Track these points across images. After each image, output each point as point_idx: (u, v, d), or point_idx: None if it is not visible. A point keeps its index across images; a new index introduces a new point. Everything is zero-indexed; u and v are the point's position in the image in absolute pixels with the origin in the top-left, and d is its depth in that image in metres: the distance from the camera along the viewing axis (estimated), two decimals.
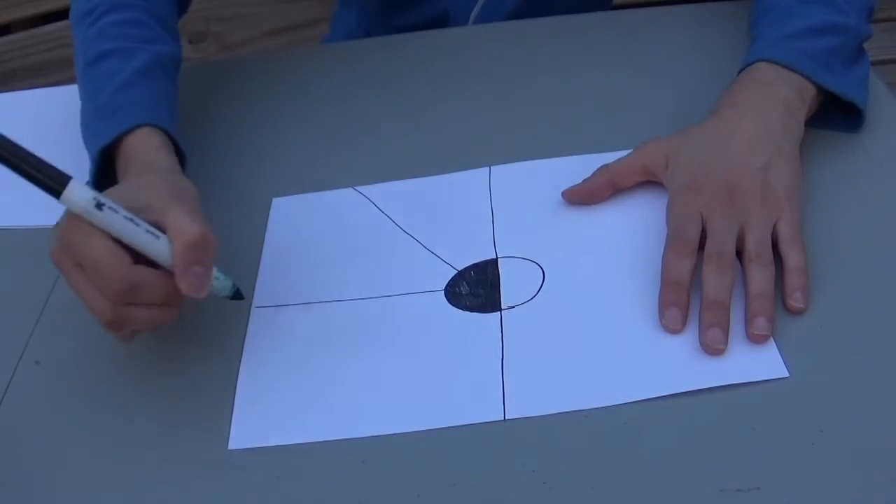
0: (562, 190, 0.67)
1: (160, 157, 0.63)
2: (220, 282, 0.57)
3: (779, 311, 0.56)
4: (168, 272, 0.54)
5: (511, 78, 0.81)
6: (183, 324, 0.62)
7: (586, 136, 0.72)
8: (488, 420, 0.53)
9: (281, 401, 0.56)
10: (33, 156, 0.53)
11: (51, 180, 0.52)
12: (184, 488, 0.52)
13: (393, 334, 0.59)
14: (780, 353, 0.54)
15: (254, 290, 0.64)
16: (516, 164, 0.71)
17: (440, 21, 0.94)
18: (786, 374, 0.53)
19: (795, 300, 0.56)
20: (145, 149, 0.64)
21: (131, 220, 0.53)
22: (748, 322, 0.55)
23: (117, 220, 0.53)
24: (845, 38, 0.68)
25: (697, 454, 0.50)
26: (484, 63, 0.84)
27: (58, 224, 0.54)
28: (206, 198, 0.71)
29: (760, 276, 0.57)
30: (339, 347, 0.59)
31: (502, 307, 0.60)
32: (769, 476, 0.48)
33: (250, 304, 0.63)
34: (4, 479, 0.54)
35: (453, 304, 0.61)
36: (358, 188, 0.72)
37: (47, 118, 0.87)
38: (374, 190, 0.71)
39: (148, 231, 0.53)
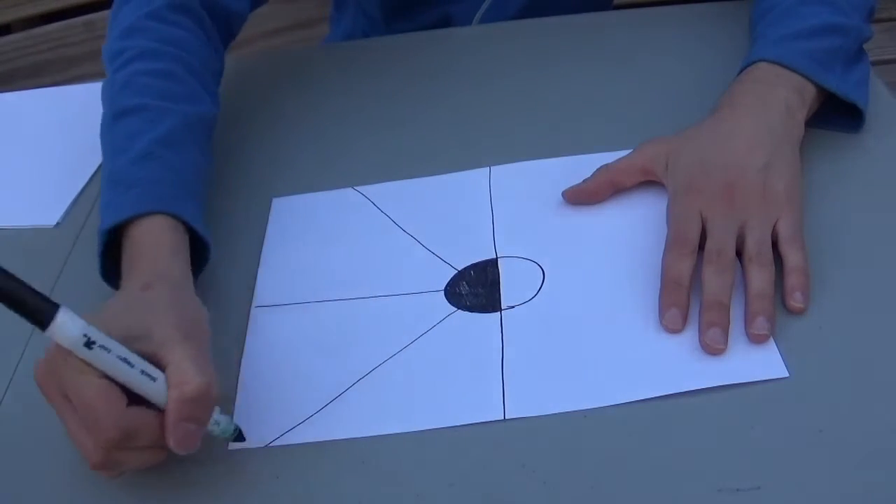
0: (562, 190, 0.67)
1: (172, 266, 0.56)
2: (221, 426, 0.52)
3: (779, 311, 0.56)
4: (160, 413, 0.49)
5: (511, 78, 0.81)
6: None
7: (586, 136, 0.72)
8: (488, 420, 0.53)
9: (281, 401, 0.56)
10: (17, 280, 0.47)
11: (36, 311, 0.46)
12: (184, 488, 0.52)
13: (393, 334, 0.59)
14: (780, 353, 0.54)
15: (254, 290, 0.64)
16: (516, 164, 0.71)
17: (443, 26, 0.94)
18: (786, 374, 0.53)
19: (795, 300, 0.56)
20: (156, 249, 0.57)
21: (125, 360, 0.48)
22: (748, 322, 0.55)
23: (109, 359, 0.47)
24: (846, 39, 0.68)
25: (697, 454, 0.50)
26: (484, 63, 0.84)
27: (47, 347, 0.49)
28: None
29: (760, 276, 0.57)
30: (339, 347, 0.59)
31: (502, 307, 0.60)
32: (769, 476, 0.48)
33: (250, 304, 0.63)
34: (4, 479, 0.54)
35: (453, 304, 0.61)
36: (358, 188, 0.72)
37: (47, 118, 0.88)
38: (374, 190, 0.71)
39: (143, 373, 0.48)
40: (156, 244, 0.57)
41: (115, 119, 0.65)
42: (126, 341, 0.49)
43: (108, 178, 0.62)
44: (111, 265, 0.59)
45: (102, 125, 0.66)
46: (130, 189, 0.59)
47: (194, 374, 0.48)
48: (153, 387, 0.48)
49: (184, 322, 0.51)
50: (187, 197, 0.61)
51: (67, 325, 0.46)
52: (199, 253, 0.61)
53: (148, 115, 0.64)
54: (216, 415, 0.51)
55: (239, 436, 0.53)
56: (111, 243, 0.60)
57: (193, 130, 0.66)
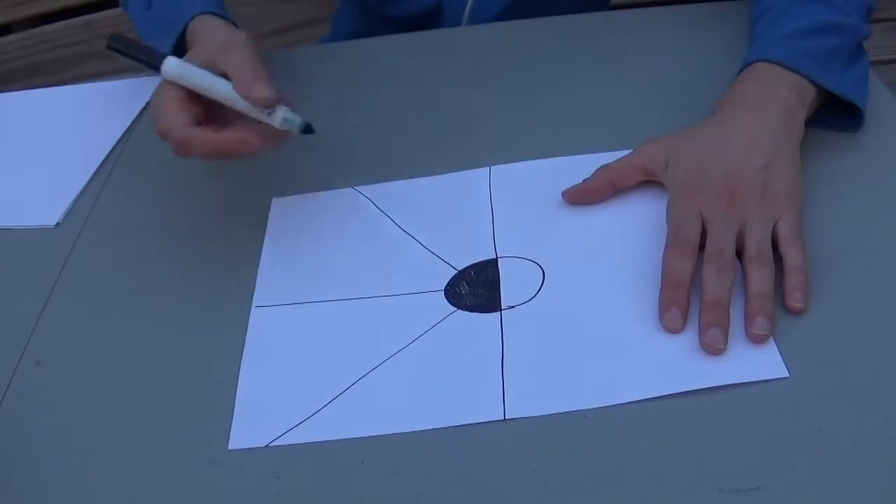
0: (562, 190, 0.67)
1: (221, 29, 0.72)
2: (290, 117, 0.62)
3: (779, 311, 0.56)
4: (216, 134, 0.62)
5: (511, 78, 0.81)
6: (183, 323, 0.62)
7: (586, 136, 0.72)
8: (488, 420, 0.53)
9: (281, 401, 0.56)
10: (142, 46, 0.67)
11: (154, 60, 0.65)
12: (184, 488, 0.52)
13: (393, 334, 0.59)
14: (780, 353, 0.54)
15: (254, 290, 0.64)
16: (516, 164, 0.71)
17: (435, 9, 0.94)
18: (786, 374, 0.53)
19: (795, 300, 0.56)
20: (214, 27, 0.72)
21: (205, 75, 0.63)
22: (748, 322, 0.55)
23: (196, 79, 0.63)
24: (845, 38, 0.69)
25: (697, 454, 0.50)
26: (484, 63, 0.84)
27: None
28: (206, 197, 0.71)
29: (760, 276, 0.57)
30: (339, 347, 0.59)
31: (502, 307, 0.60)
32: (769, 476, 0.48)
33: (250, 304, 0.63)
34: (4, 479, 0.54)
35: (453, 304, 0.61)
36: (358, 188, 0.72)
37: (47, 118, 0.88)
38: (374, 190, 0.71)
39: (215, 80, 0.63)
40: (213, 25, 0.73)
41: (147, 6, 0.80)
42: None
43: (157, 29, 0.77)
44: None
45: (136, 18, 0.83)
46: (175, 21, 0.75)
47: (242, 58, 0.64)
48: (226, 87, 0.63)
49: (228, 43, 0.66)
50: (217, 5, 0.76)
51: (169, 65, 0.64)
52: None
53: None
54: (285, 112, 0.62)
55: (308, 128, 0.63)
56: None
57: None
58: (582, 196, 0.66)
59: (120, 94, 0.89)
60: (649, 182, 0.66)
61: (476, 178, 0.71)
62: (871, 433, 0.49)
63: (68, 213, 0.74)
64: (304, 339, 0.60)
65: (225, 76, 0.64)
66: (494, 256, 0.64)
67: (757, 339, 0.54)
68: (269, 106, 0.62)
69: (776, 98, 0.65)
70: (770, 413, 0.51)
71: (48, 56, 1.41)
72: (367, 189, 0.71)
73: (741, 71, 0.69)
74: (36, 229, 0.73)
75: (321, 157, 0.76)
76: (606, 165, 0.66)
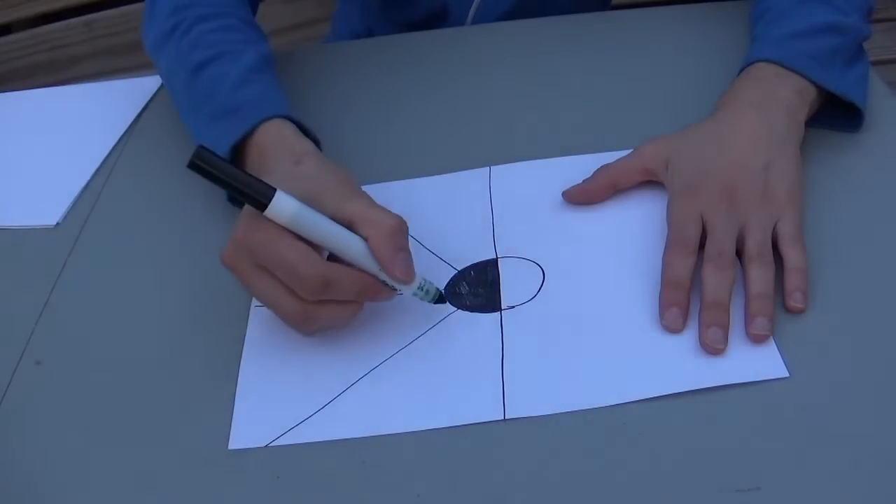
0: (562, 190, 0.67)
1: (304, 143, 0.62)
2: (426, 285, 0.57)
3: (779, 311, 0.56)
4: (360, 270, 0.55)
5: (511, 78, 0.82)
6: (183, 323, 0.62)
7: (586, 136, 0.72)
8: (488, 420, 0.53)
9: (281, 401, 0.56)
10: (239, 171, 0.53)
11: (258, 194, 0.53)
12: (184, 488, 0.52)
13: (393, 334, 0.59)
14: (780, 353, 0.54)
15: None
16: (516, 164, 0.71)
17: (440, 14, 0.94)
18: (786, 374, 0.53)
19: (795, 300, 0.56)
20: (284, 136, 0.63)
21: (327, 226, 0.54)
22: (748, 322, 0.55)
23: (318, 228, 0.54)
24: (845, 38, 0.69)
25: (697, 454, 0.50)
26: (484, 63, 0.84)
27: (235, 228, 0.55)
28: (206, 197, 0.71)
29: (760, 276, 0.57)
30: (338, 347, 0.59)
31: (502, 307, 0.60)
32: (769, 476, 0.48)
33: (250, 304, 0.63)
34: (4, 479, 0.54)
35: (453, 304, 0.61)
36: None
37: (47, 118, 0.88)
38: (375, 190, 0.71)
39: (341, 233, 0.55)
40: (282, 133, 0.63)
41: (194, 73, 0.70)
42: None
43: (210, 117, 0.67)
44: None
45: (178, 87, 0.73)
46: (238, 110, 0.65)
47: (383, 214, 0.55)
48: (356, 246, 0.54)
49: (343, 182, 0.57)
50: (287, 104, 0.67)
51: (284, 204, 0.53)
52: None
53: (228, 57, 0.70)
54: (420, 280, 0.56)
55: (440, 297, 0.58)
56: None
57: (268, 62, 0.72)
58: (582, 196, 0.66)
59: (120, 94, 0.88)
60: (649, 182, 0.66)
61: (476, 178, 0.71)
62: (871, 433, 0.49)
63: (68, 213, 0.74)
64: (304, 339, 0.60)
65: (332, 218, 0.55)
66: (494, 256, 0.64)
67: (757, 339, 0.54)
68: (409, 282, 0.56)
69: (776, 98, 0.65)
70: (770, 413, 0.51)
71: (48, 56, 1.41)
72: (367, 189, 0.71)
73: (741, 71, 0.69)
74: (36, 229, 0.73)
75: None
76: (606, 165, 0.66)
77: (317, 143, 0.66)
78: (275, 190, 0.53)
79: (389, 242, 0.54)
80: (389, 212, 0.55)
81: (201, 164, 0.52)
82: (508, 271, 0.62)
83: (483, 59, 0.85)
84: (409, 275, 0.55)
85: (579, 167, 0.67)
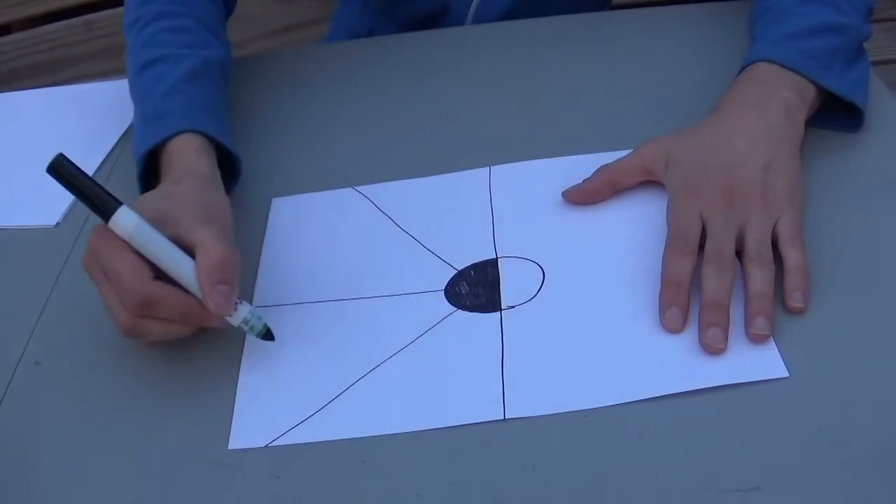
0: (562, 190, 0.67)
1: (198, 164, 0.65)
2: (252, 319, 0.58)
3: (779, 311, 0.56)
4: (185, 292, 0.56)
5: (511, 78, 0.81)
6: None
7: (586, 136, 0.72)
8: (488, 420, 0.53)
9: (281, 401, 0.56)
10: (90, 179, 0.57)
11: (104, 206, 0.56)
12: (184, 488, 0.52)
13: (393, 334, 0.59)
14: (780, 353, 0.54)
15: (254, 290, 0.64)
16: (516, 164, 0.71)
17: (441, 11, 0.94)
18: (786, 374, 0.53)
19: (795, 300, 0.56)
20: (184, 154, 0.65)
21: (163, 248, 0.56)
22: (748, 322, 0.55)
23: (151, 248, 0.56)
24: (845, 38, 0.69)
25: (697, 454, 0.50)
26: (484, 63, 0.84)
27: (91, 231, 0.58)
28: None
29: (760, 276, 0.57)
30: (338, 347, 0.59)
31: (502, 307, 0.60)
32: (769, 476, 0.48)
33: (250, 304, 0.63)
34: (4, 479, 0.54)
35: (453, 304, 0.61)
36: (358, 188, 0.72)
37: (47, 118, 0.88)
38: (374, 190, 0.71)
39: (176, 260, 0.56)
40: (185, 151, 0.66)
41: (140, 70, 0.73)
42: (157, 224, 0.57)
43: (141, 118, 0.71)
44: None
45: (129, 80, 0.75)
46: (161, 119, 0.68)
47: (217, 245, 0.56)
48: (185, 270, 0.56)
49: (207, 209, 0.60)
50: (210, 119, 0.69)
51: (124, 220, 0.56)
52: (231, 167, 0.70)
53: (170, 60, 0.72)
54: (247, 311, 0.57)
55: (268, 333, 0.58)
56: (148, 172, 0.68)
57: (211, 71, 0.73)
58: (582, 196, 0.66)
59: (120, 94, 0.88)
60: (649, 182, 0.66)
61: (476, 178, 0.71)
62: (870, 433, 0.49)
63: (68, 213, 0.74)
64: (304, 340, 0.60)
65: (182, 241, 0.57)
66: (494, 256, 0.64)
67: (757, 339, 0.54)
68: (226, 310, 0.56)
69: (776, 98, 0.65)
70: (770, 413, 0.51)
71: (48, 56, 1.41)
72: (367, 189, 0.71)
73: (741, 71, 0.69)
74: (36, 229, 0.73)
75: (321, 157, 0.76)
76: (606, 165, 0.66)
77: (234, 157, 0.69)
78: (120, 204, 0.56)
79: (212, 273, 0.55)
80: (224, 244, 0.56)
81: (58, 170, 0.56)
82: (508, 271, 0.62)
83: (483, 59, 0.85)
84: (222, 308, 0.56)
85: (579, 167, 0.67)
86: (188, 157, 0.65)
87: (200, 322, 0.57)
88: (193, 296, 0.56)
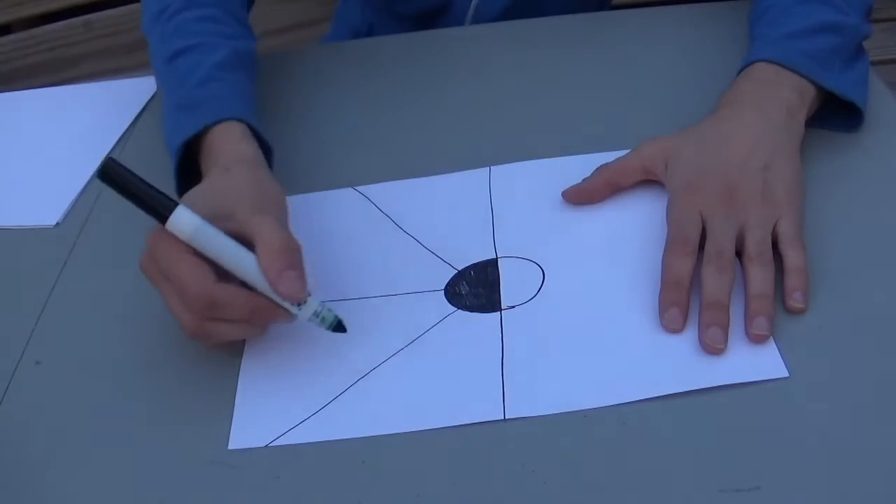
0: (562, 190, 0.67)
1: (245, 148, 0.64)
2: (323, 311, 0.56)
3: (779, 311, 0.56)
4: (251, 291, 0.55)
5: (511, 78, 0.82)
6: None
7: (586, 136, 0.72)
8: (488, 420, 0.53)
9: (281, 401, 0.56)
10: (143, 182, 0.55)
11: (162, 208, 0.54)
12: (184, 488, 0.52)
13: (393, 334, 0.59)
14: (780, 353, 0.54)
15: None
16: (516, 164, 0.71)
17: (442, 7, 0.94)
18: (786, 374, 0.53)
19: (795, 300, 0.56)
20: (229, 140, 0.65)
21: (225, 245, 0.55)
22: (748, 322, 0.55)
23: (213, 247, 0.55)
24: (845, 38, 0.69)
25: (697, 454, 0.50)
26: (484, 63, 0.84)
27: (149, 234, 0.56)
28: None
29: (760, 276, 0.57)
30: (338, 347, 0.59)
31: (502, 307, 0.60)
32: (769, 476, 0.48)
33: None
34: (4, 479, 0.54)
35: (453, 304, 0.61)
36: (358, 188, 0.72)
37: (47, 118, 0.88)
38: (374, 190, 0.71)
39: (238, 252, 0.55)
40: (229, 137, 0.65)
41: (171, 60, 0.72)
42: (213, 220, 0.55)
43: (173, 106, 0.69)
44: (185, 187, 0.63)
45: (158, 68, 0.74)
46: (198, 107, 0.67)
47: (274, 232, 0.55)
48: (249, 266, 0.54)
49: (260, 197, 0.58)
50: (245, 106, 0.68)
51: (182, 221, 0.54)
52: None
53: (202, 49, 0.71)
54: (316, 304, 0.56)
55: (339, 325, 0.57)
56: (182, 165, 0.67)
57: (243, 61, 0.73)
58: (582, 196, 0.66)
59: (120, 94, 0.88)
60: (649, 182, 0.66)
61: (476, 178, 0.71)
62: (870, 433, 0.49)
63: (68, 213, 0.74)
64: (304, 339, 0.60)
65: (240, 234, 0.56)
66: (494, 256, 0.64)
67: (757, 339, 0.54)
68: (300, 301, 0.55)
69: (776, 98, 0.65)
70: (770, 413, 0.51)
71: (48, 56, 1.40)
72: (367, 189, 0.71)
73: (741, 71, 0.69)
74: (36, 229, 0.73)
75: (321, 157, 0.76)
76: (606, 165, 0.66)
77: (268, 148, 0.67)
78: (177, 205, 0.54)
79: (275, 261, 0.54)
80: (283, 230, 0.56)
81: (109, 174, 0.54)
82: (508, 271, 0.62)
83: (483, 58, 0.85)
84: (294, 293, 0.54)
85: (579, 167, 0.67)
86: (234, 142, 0.64)
87: (269, 319, 0.56)
88: (260, 294, 0.55)
